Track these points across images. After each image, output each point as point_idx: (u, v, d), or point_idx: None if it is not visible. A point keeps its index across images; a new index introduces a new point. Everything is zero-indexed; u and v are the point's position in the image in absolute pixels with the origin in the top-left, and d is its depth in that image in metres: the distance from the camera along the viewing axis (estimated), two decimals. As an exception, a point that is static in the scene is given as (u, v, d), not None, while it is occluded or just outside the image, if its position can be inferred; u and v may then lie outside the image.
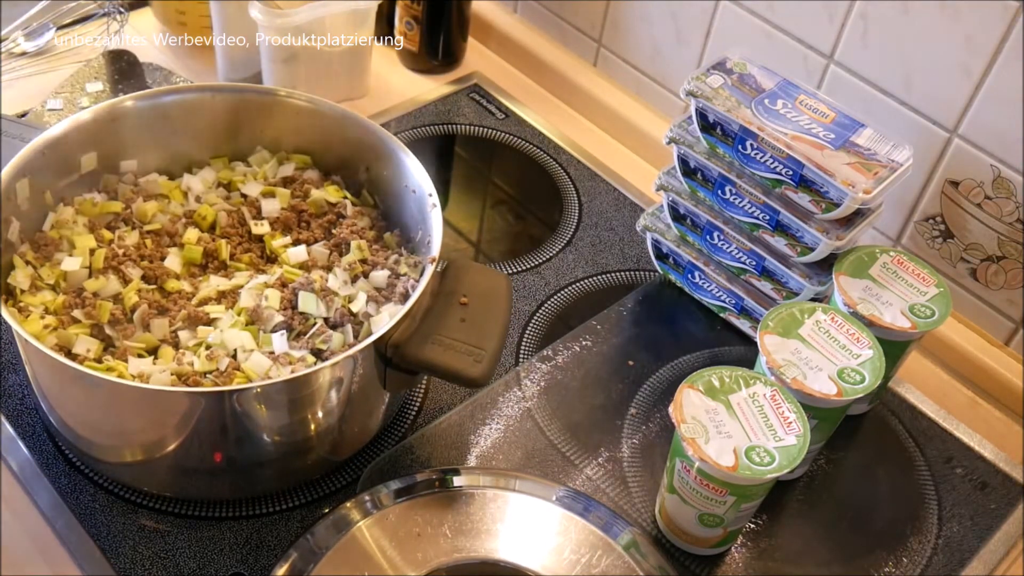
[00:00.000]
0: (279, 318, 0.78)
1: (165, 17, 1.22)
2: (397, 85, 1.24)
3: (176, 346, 0.78)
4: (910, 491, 0.90)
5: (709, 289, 1.00)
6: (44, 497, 0.80)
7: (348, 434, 0.82)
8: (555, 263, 1.05)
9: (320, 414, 0.78)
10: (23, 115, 1.09)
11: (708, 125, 0.91)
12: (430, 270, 0.80)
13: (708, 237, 0.96)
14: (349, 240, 0.87)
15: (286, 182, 0.92)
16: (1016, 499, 0.90)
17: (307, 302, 0.79)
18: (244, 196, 0.90)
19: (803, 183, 0.86)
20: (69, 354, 0.76)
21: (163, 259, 0.84)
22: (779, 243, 0.91)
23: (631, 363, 0.96)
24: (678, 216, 0.98)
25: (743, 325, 0.99)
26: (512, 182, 1.17)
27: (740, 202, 0.92)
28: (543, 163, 1.17)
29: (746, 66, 0.92)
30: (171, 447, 0.75)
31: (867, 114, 0.93)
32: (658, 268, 1.04)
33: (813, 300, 0.90)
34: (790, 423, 0.75)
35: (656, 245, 1.02)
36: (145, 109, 0.89)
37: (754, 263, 0.94)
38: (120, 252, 0.83)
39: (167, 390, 0.73)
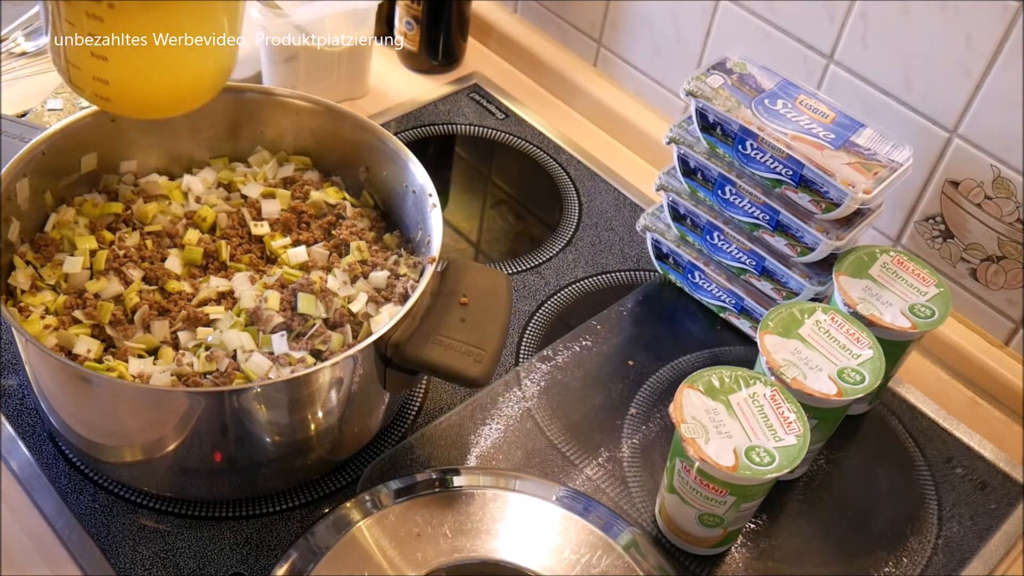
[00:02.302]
0: (279, 319, 0.78)
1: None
2: (397, 85, 1.24)
3: (176, 347, 0.78)
4: (910, 491, 0.90)
5: (709, 289, 1.00)
6: (44, 497, 0.80)
7: (348, 434, 0.82)
8: (555, 263, 1.06)
9: (320, 414, 0.78)
10: (23, 115, 1.09)
11: (708, 125, 0.91)
12: (430, 270, 0.80)
13: (708, 237, 0.97)
14: (349, 241, 0.87)
15: (286, 183, 0.92)
16: (1016, 499, 0.90)
17: (306, 303, 0.79)
18: (244, 197, 0.91)
19: (803, 183, 0.86)
20: (69, 354, 0.76)
21: (163, 260, 0.84)
22: (779, 243, 0.91)
23: (631, 363, 0.96)
24: (678, 216, 0.98)
25: (743, 325, 0.99)
26: (512, 182, 1.17)
27: (740, 202, 0.92)
28: (543, 163, 1.17)
29: (746, 66, 0.92)
30: (171, 447, 0.75)
31: (867, 114, 0.93)
32: (658, 268, 1.04)
33: (813, 300, 0.90)
34: (790, 423, 0.75)
35: (656, 245, 1.02)
36: (145, 109, 0.89)
37: (754, 263, 0.94)
38: (121, 253, 0.83)
39: (167, 390, 0.73)
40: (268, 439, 0.77)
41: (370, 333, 0.79)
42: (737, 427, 0.75)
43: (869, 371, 0.79)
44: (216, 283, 0.83)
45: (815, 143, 0.86)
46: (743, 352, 0.99)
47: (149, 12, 0.70)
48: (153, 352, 0.78)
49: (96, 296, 0.80)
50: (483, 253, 1.08)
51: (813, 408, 0.78)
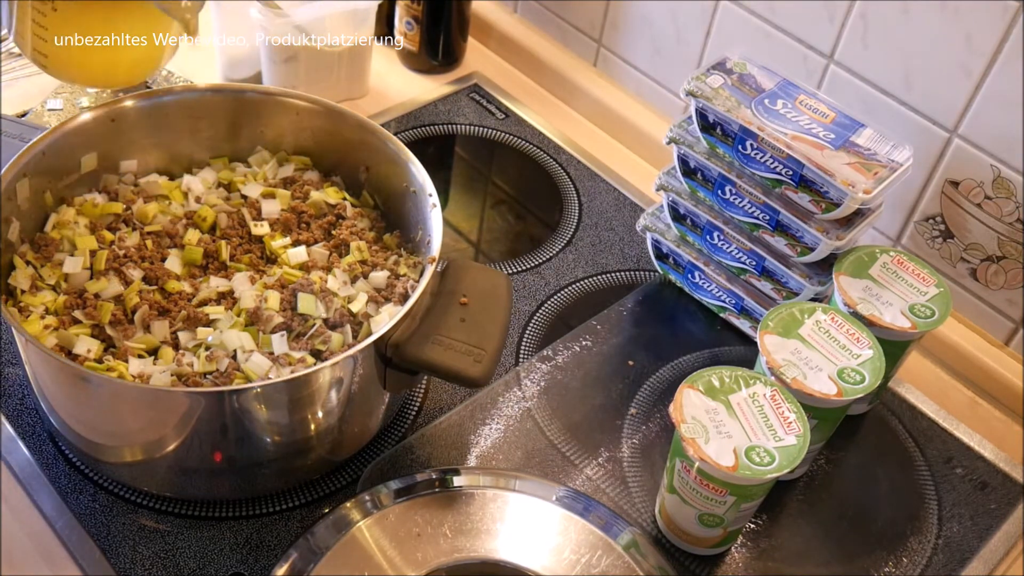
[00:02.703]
0: (279, 319, 0.78)
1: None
2: (397, 85, 1.24)
3: (176, 347, 0.78)
4: (910, 491, 0.90)
5: (709, 289, 1.00)
6: (44, 497, 0.80)
7: (348, 434, 0.82)
8: (555, 263, 1.05)
9: (320, 414, 0.78)
10: (23, 115, 1.09)
11: (708, 125, 0.91)
12: (430, 270, 0.80)
13: (708, 237, 0.97)
14: (349, 241, 0.87)
15: (286, 183, 0.92)
16: (1016, 499, 0.90)
17: (306, 303, 0.79)
18: (244, 197, 0.91)
19: (803, 183, 0.86)
20: (69, 354, 0.76)
21: (164, 260, 0.84)
22: (779, 243, 0.91)
23: (631, 363, 0.96)
24: (678, 216, 0.98)
25: (743, 325, 0.99)
26: (512, 182, 1.17)
27: (740, 202, 0.92)
28: (543, 163, 1.17)
29: (746, 66, 0.92)
30: (171, 447, 0.75)
31: (867, 114, 0.93)
32: (658, 268, 1.04)
33: (813, 300, 0.90)
34: (790, 423, 0.75)
35: (656, 245, 1.02)
36: (145, 109, 0.89)
37: (754, 263, 0.94)
38: (121, 253, 0.83)
39: (167, 390, 0.73)
40: (268, 439, 0.77)
41: (370, 333, 0.79)
42: (737, 427, 0.75)
43: (869, 371, 0.79)
44: (216, 283, 0.83)
45: (815, 143, 0.86)
46: (743, 352, 0.98)
47: (83, 14, 0.95)
48: (153, 352, 0.78)
49: (96, 296, 0.80)
50: (483, 253, 1.08)
51: (813, 408, 0.78)
